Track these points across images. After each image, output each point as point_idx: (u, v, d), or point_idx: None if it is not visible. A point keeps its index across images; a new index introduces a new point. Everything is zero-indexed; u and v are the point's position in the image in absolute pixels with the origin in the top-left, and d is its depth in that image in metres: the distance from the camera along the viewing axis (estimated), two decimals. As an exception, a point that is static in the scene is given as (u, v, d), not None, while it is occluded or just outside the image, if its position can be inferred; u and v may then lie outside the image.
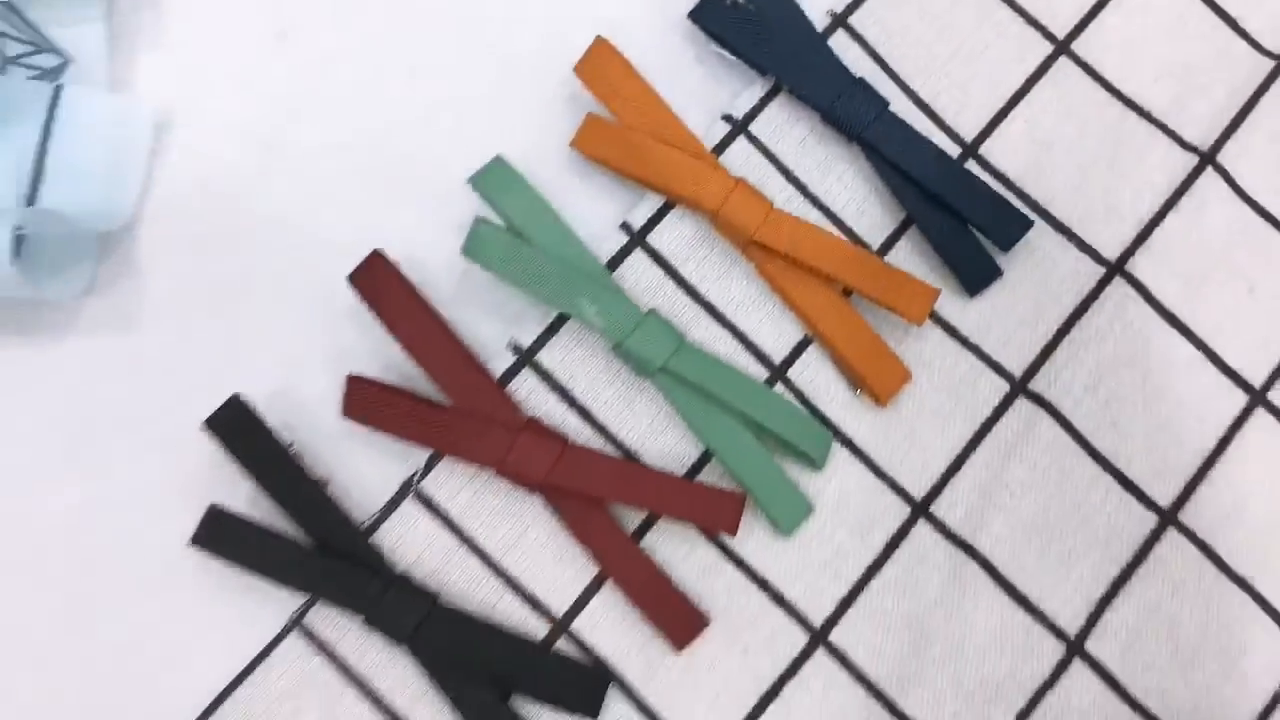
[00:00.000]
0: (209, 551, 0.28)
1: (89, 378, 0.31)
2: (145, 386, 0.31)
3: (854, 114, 0.32)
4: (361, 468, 0.31)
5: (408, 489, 0.30)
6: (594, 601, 0.30)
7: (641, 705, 0.30)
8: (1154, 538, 0.32)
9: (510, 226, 0.31)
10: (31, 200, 0.31)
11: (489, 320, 0.32)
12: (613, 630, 0.30)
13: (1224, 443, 0.33)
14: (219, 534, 0.28)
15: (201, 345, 0.32)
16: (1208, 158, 0.35)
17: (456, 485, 0.30)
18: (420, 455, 0.30)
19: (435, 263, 0.32)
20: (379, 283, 0.30)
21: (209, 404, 0.29)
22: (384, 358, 0.31)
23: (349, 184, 0.33)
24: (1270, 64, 0.36)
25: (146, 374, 0.31)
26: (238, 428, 0.29)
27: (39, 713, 0.29)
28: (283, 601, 0.29)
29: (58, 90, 0.32)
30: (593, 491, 0.29)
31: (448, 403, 0.30)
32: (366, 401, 0.29)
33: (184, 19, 0.34)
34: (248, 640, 0.29)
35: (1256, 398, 0.33)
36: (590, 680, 0.29)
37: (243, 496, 0.30)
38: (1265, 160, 0.35)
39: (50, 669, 0.29)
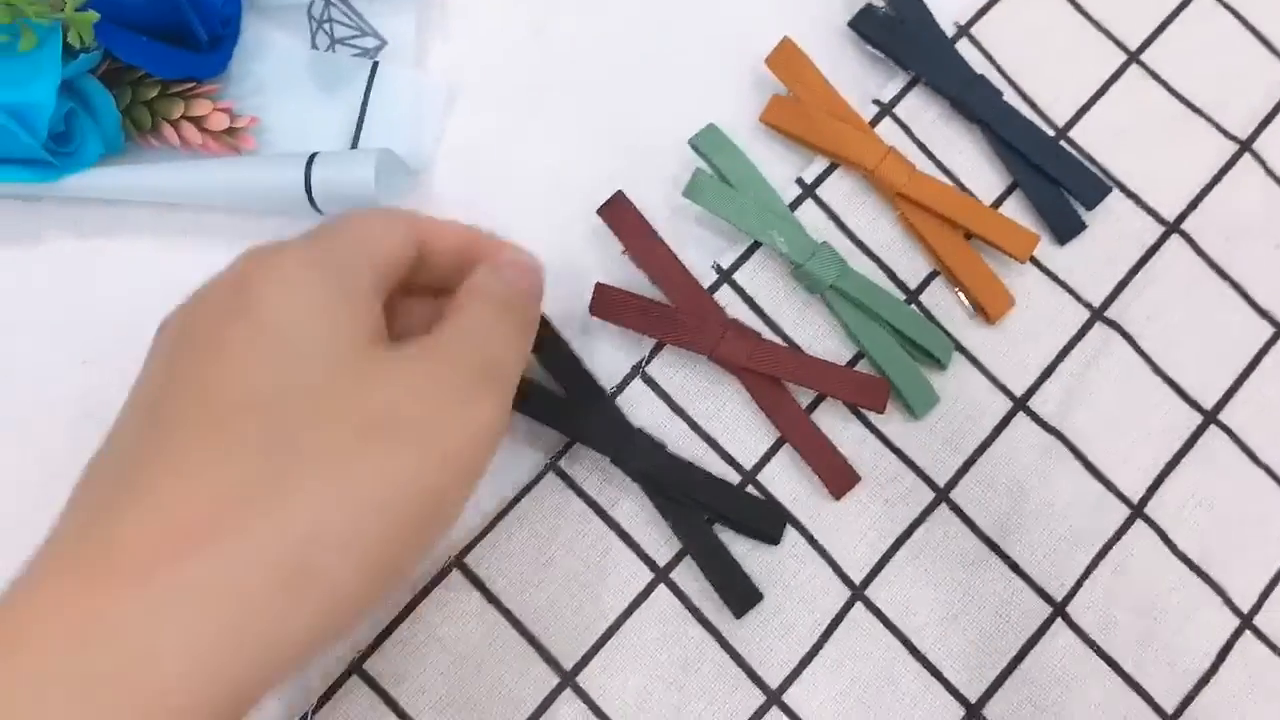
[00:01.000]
0: None
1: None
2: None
3: (975, 101, 0.42)
4: (602, 355, 0.40)
5: (637, 370, 0.39)
6: (774, 459, 0.39)
7: (810, 538, 0.39)
8: (1199, 432, 0.41)
9: (719, 176, 0.40)
10: (354, 147, 0.41)
11: (694, 249, 0.41)
12: (788, 481, 0.39)
13: (1255, 361, 0.41)
14: None
15: (476, 261, 0.41)
16: (1245, 145, 0.44)
17: (673, 369, 0.40)
18: (643, 348, 0.40)
19: (653, 204, 0.42)
20: (620, 214, 0.39)
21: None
22: (614, 274, 0.41)
23: (588, 144, 0.42)
24: (1296, 74, 0.45)
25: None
26: None
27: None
28: (542, 446, 0.39)
29: (375, 67, 0.42)
30: (778, 374, 0.39)
31: (670, 305, 0.39)
32: (610, 302, 0.39)
33: (465, 14, 0.43)
34: (519, 473, 0.39)
35: (1281, 328, 0.42)
36: (774, 515, 0.38)
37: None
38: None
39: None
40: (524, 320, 0.33)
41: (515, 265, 0.34)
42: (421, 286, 0.34)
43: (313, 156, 0.38)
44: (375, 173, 0.37)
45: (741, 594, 0.37)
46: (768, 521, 0.38)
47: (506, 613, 0.37)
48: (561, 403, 0.38)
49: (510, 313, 0.32)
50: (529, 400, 0.38)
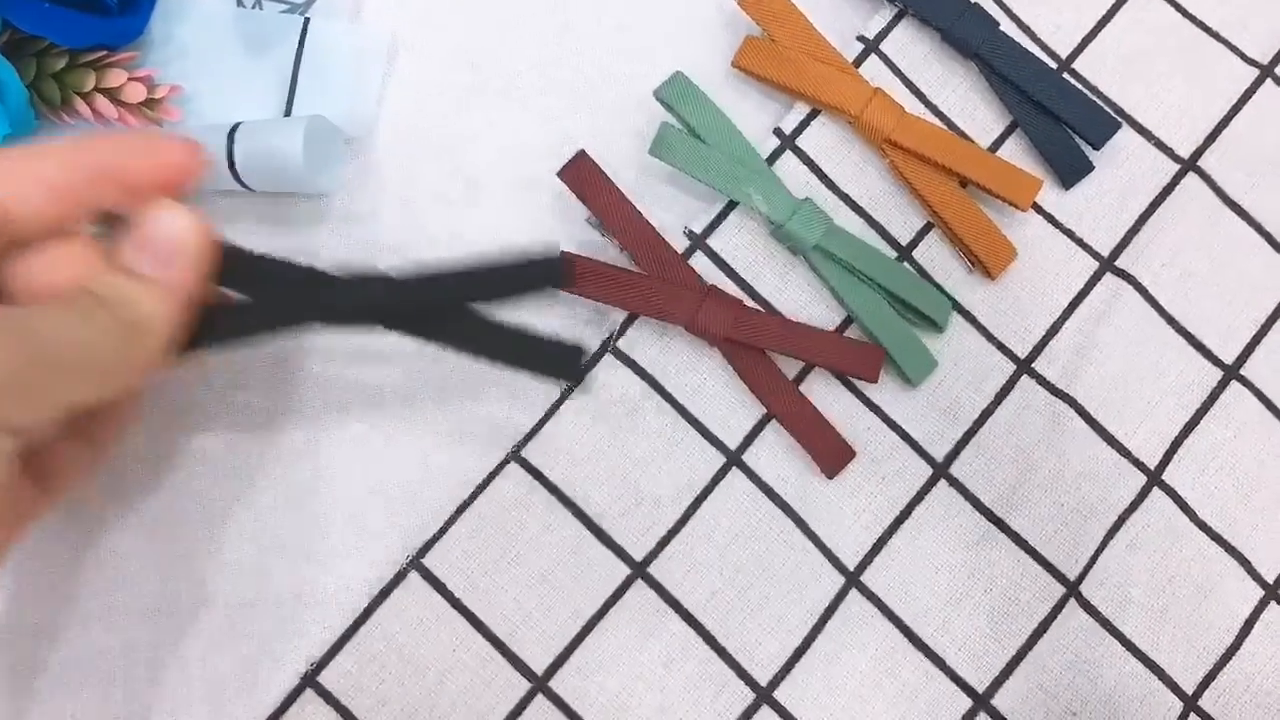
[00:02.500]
0: None
1: (337, 261, 0.37)
2: (384, 266, 0.37)
3: (969, 33, 0.37)
4: (567, 332, 0.37)
5: (607, 345, 0.36)
6: (760, 437, 0.36)
7: (800, 522, 0.36)
8: (1219, 389, 0.37)
9: (689, 130, 0.36)
10: (288, 113, 0.37)
11: (664, 212, 0.37)
12: (776, 461, 0.36)
13: (1280, 309, 0.38)
14: None
15: (428, 233, 0.37)
16: (1267, 70, 0.39)
17: (647, 343, 0.36)
18: (608, 323, 0.36)
19: (619, 163, 0.38)
20: (584, 176, 0.35)
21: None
22: (579, 242, 0.37)
23: (544, 98, 0.38)
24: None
25: (386, 257, 0.37)
26: None
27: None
28: (503, 436, 0.36)
29: (306, 23, 0.37)
30: (763, 345, 0.35)
31: (642, 274, 0.36)
32: (575, 273, 0.35)
33: (404, -39, 0.39)
34: (477, 463, 0.35)
35: (1308, 272, 0.38)
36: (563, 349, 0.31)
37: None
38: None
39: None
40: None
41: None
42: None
43: (235, 128, 0.34)
44: (304, 143, 0.33)
45: None
46: (562, 358, 0.31)
47: (470, 616, 0.34)
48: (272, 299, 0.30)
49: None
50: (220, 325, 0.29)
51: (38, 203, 0.26)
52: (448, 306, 0.30)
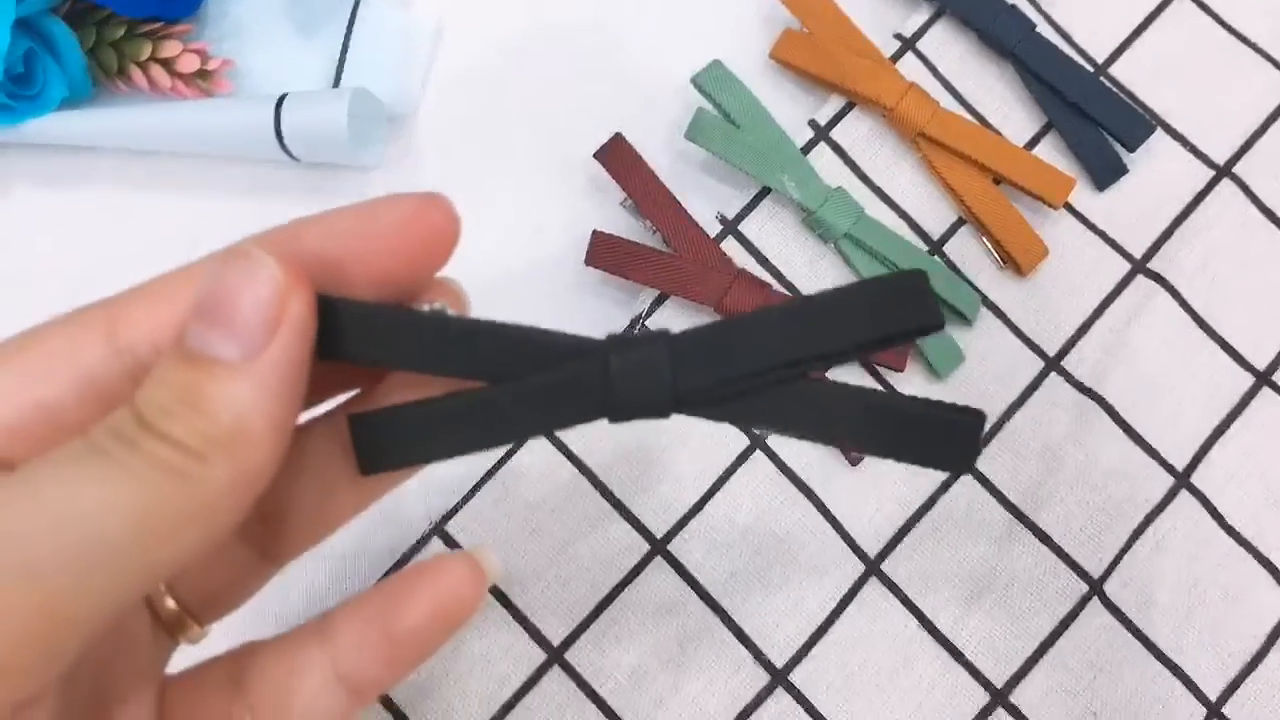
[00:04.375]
0: None
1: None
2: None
3: (1006, 33, 0.37)
4: (597, 311, 0.37)
5: (636, 324, 0.36)
6: (784, 422, 0.36)
7: (821, 507, 0.35)
8: (1250, 395, 0.37)
9: (724, 116, 0.36)
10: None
11: (698, 198, 0.37)
12: (800, 445, 0.35)
13: (1314, 317, 0.37)
14: None
15: (465, 212, 0.37)
16: (1306, 81, 0.39)
17: (675, 324, 0.36)
18: (643, 302, 0.36)
19: (655, 149, 0.38)
20: (620, 158, 0.36)
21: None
22: (611, 224, 0.37)
23: (583, 84, 0.39)
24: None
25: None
26: None
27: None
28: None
29: (356, 4, 0.38)
30: (789, 329, 0.35)
31: (674, 254, 0.36)
32: (607, 251, 0.35)
33: (453, -51, 0.40)
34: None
35: (1344, 281, 0.38)
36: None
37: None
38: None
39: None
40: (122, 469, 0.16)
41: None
42: None
43: (282, 98, 0.34)
44: (348, 113, 0.33)
45: None
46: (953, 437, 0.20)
47: (492, 589, 0.33)
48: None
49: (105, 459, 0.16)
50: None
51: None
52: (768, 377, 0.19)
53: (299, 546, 0.22)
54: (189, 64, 0.36)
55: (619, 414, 0.19)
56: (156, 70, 0.36)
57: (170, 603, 0.21)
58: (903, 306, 0.18)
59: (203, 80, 0.36)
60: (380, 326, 0.18)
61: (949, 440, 0.19)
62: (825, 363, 0.19)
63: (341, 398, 0.22)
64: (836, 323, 0.18)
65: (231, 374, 0.17)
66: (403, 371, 0.20)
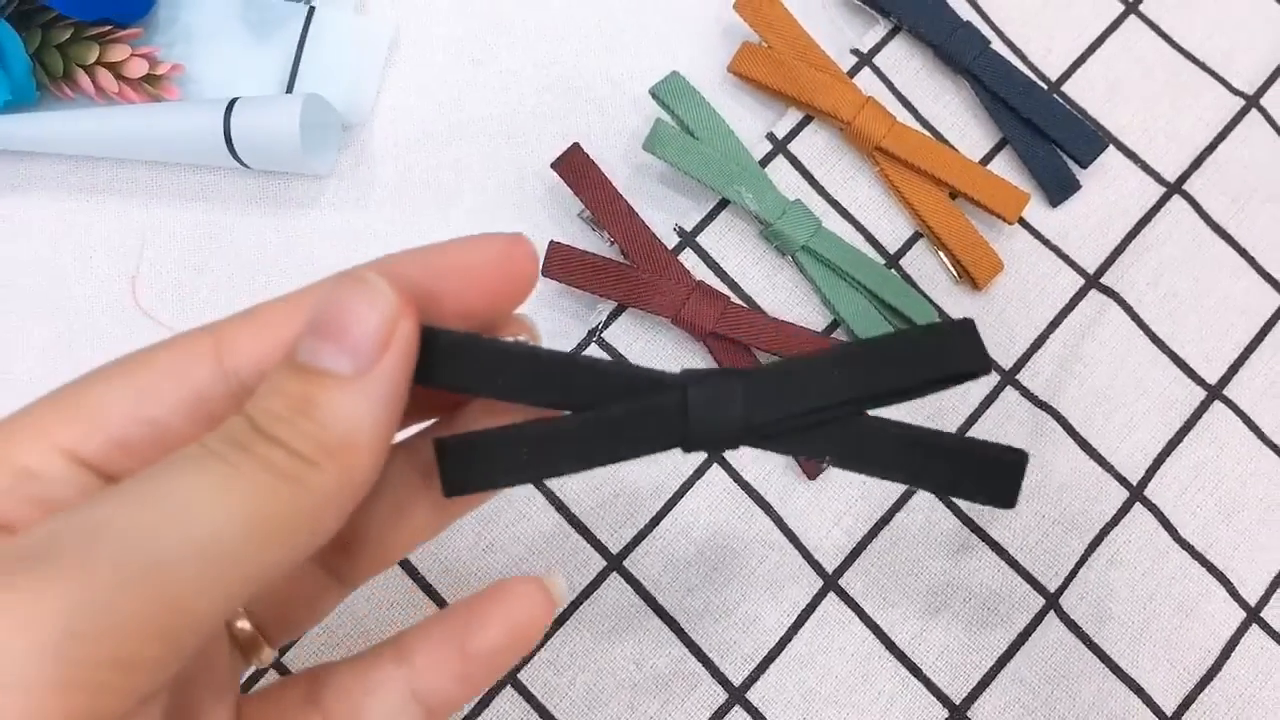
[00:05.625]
0: None
1: (328, 245, 0.36)
2: (373, 254, 0.36)
3: (961, 50, 0.37)
4: (553, 321, 0.36)
5: (593, 335, 0.35)
6: (742, 435, 0.35)
7: (779, 522, 0.34)
8: (1202, 409, 0.37)
9: (683, 127, 0.36)
10: (288, 98, 0.37)
11: (656, 210, 0.37)
12: (757, 459, 0.34)
13: (1263, 332, 0.37)
14: None
15: (420, 222, 0.37)
16: (1252, 101, 0.39)
17: (633, 335, 0.35)
18: (600, 313, 0.36)
19: (613, 160, 0.37)
20: (577, 168, 0.35)
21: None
22: (568, 235, 0.37)
23: (540, 94, 0.38)
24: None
25: (374, 244, 0.36)
26: None
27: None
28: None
29: (311, 11, 0.37)
30: (750, 340, 0.34)
31: (631, 265, 0.35)
32: (564, 261, 0.34)
33: (410, -42, 0.39)
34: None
35: (1291, 296, 0.38)
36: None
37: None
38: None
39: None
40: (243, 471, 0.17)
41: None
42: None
43: (233, 102, 0.33)
44: (301, 119, 0.33)
45: None
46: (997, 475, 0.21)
47: (441, 602, 0.32)
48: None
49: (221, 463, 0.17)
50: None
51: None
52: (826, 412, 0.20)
53: (370, 569, 0.22)
54: (137, 69, 0.35)
55: (693, 443, 0.20)
56: (103, 75, 0.35)
57: (244, 623, 0.21)
58: (956, 352, 0.20)
59: (151, 85, 0.35)
60: (474, 356, 0.19)
61: (995, 476, 0.20)
62: (881, 402, 0.20)
63: (418, 426, 0.23)
64: (895, 365, 0.20)
65: (342, 386, 0.18)
66: (484, 400, 0.21)
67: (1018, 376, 0.36)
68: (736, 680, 0.33)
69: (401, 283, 0.19)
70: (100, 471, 0.18)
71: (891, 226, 0.37)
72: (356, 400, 0.18)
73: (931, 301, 0.36)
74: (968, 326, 0.20)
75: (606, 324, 0.35)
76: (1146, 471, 0.36)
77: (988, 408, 0.36)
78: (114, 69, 0.35)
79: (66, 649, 0.15)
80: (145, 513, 0.16)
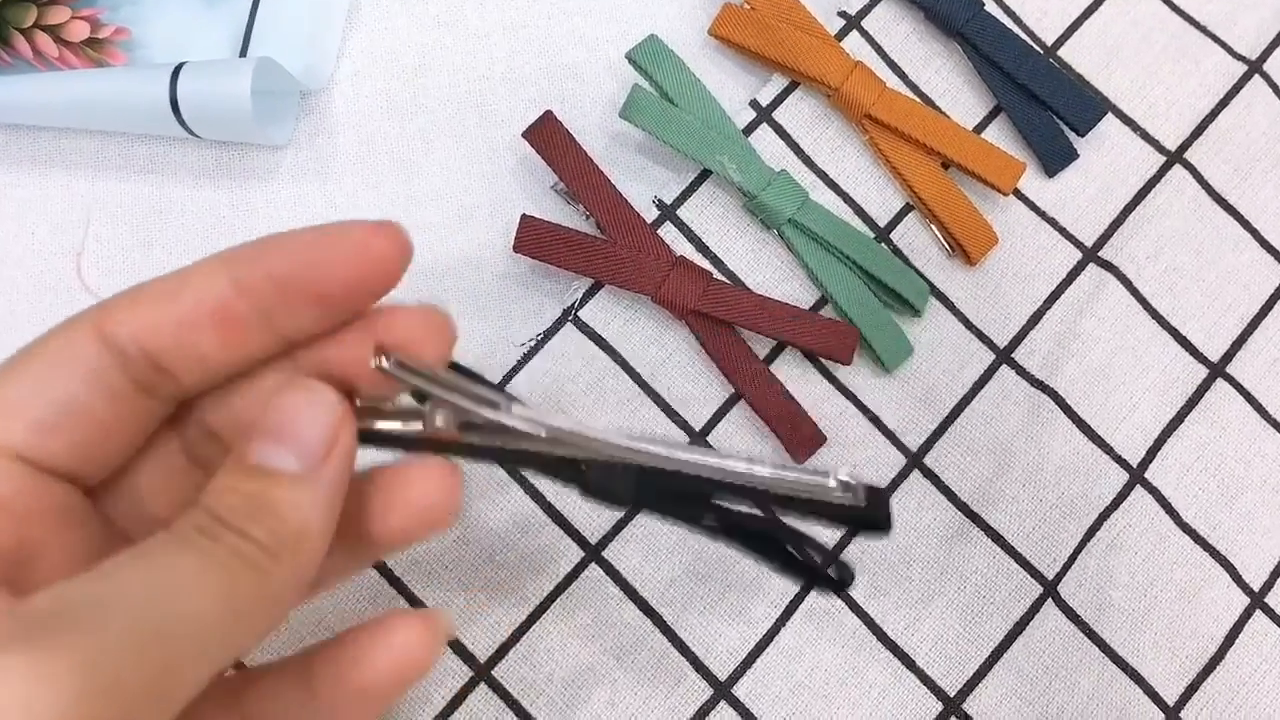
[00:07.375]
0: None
1: (287, 218, 0.34)
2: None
3: (954, 12, 0.35)
4: (526, 300, 0.34)
5: (569, 314, 0.33)
6: (727, 417, 0.33)
7: (765, 508, 0.33)
8: (1204, 387, 0.35)
9: (661, 94, 0.34)
10: (242, 64, 0.35)
11: (634, 182, 0.35)
12: (743, 443, 0.33)
13: (1267, 307, 0.35)
14: None
15: (384, 195, 0.35)
16: (1255, 66, 0.38)
17: (610, 314, 0.33)
18: (570, 291, 0.34)
19: (588, 129, 0.35)
20: (550, 138, 0.33)
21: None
22: (541, 208, 0.35)
23: (511, 58, 0.36)
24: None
25: (334, 218, 0.34)
26: None
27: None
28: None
29: (266, -30, 0.35)
30: (733, 319, 0.32)
31: (607, 240, 0.33)
32: (537, 237, 0.32)
33: (372, -85, 0.37)
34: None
35: (1296, 269, 0.36)
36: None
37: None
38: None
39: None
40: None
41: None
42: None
43: (179, 68, 0.31)
44: (253, 86, 0.30)
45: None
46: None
47: (411, 597, 0.31)
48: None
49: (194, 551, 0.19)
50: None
51: (211, 338, 0.21)
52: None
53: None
54: (78, 31, 0.33)
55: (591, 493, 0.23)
56: (42, 38, 0.33)
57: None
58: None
59: (93, 49, 0.33)
60: (406, 445, 0.22)
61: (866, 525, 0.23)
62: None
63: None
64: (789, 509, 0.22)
65: (294, 483, 0.20)
66: None
67: (1013, 355, 0.34)
68: (722, 675, 0.31)
69: (260, 269, 0.20)
70: (33, 462, 0.20)
71: (881, 198, 0.35)
72: (308, 495, 0.20)
73: (923, 276, 0.35)
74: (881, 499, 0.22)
75: (582, 302, 0.33)
76: (1147, 453, 0.34)
77: (982, 388, 0.34)
78: (53, 32, 0.33)
79: (83, 707, 0.16)
80: (143, 587, 0.18)
